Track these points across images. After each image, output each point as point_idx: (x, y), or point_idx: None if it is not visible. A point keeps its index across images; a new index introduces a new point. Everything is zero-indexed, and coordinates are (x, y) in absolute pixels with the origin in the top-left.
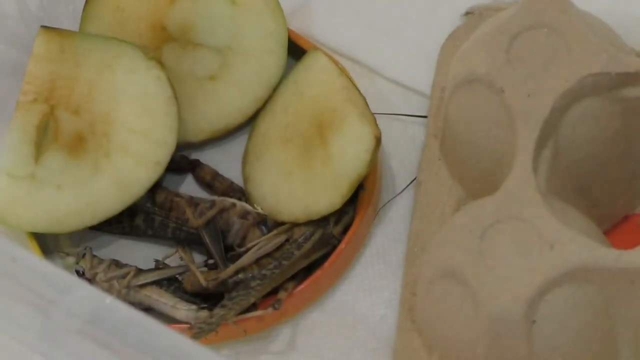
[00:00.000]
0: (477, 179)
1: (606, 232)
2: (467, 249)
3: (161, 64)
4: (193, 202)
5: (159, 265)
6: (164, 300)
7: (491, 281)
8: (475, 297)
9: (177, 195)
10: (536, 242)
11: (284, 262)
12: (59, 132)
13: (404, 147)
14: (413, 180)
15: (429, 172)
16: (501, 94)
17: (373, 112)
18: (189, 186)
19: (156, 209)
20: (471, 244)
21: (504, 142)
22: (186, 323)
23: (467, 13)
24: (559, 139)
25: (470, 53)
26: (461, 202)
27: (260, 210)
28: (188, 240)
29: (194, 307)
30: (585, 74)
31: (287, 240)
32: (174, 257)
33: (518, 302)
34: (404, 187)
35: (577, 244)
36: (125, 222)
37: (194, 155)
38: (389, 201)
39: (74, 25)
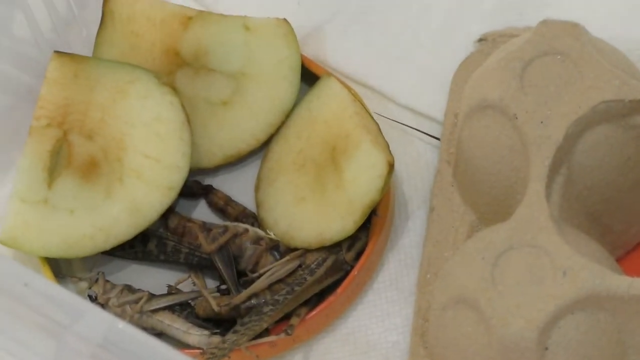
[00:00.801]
0: (490, 205)
1: (619, 260)
2: (479, 275)
3: (174, 89)
4: (206, 227)
5: (172, 291)
6: (177, 325)
7: (503, 307)
8: (487, 324)
9: (190, 220)
10: (549, 269)
11: (297, 288)
12: (72, 157)
13: (417, 174)
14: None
15: (441, 198)
16: (514, 120)
17: (387, 118)
18: (201, 211)
19: (169, 234)
20: (484, 270)
21: (517, 168)
22: (198, 348)
23: (480, 39)
24: (572, 165)
25: (484, 79)
26: (474, 228)
27: (272, 236)
28: (201, 265)
29: (206, 332)
30: (598, 101)
31: (299, 266)
32: (186, 283)
33: (530, 328)
34: (416, 212)
35: (589, 271)
36: (138, 247)
37: (207, 181)
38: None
39: (87, 50)
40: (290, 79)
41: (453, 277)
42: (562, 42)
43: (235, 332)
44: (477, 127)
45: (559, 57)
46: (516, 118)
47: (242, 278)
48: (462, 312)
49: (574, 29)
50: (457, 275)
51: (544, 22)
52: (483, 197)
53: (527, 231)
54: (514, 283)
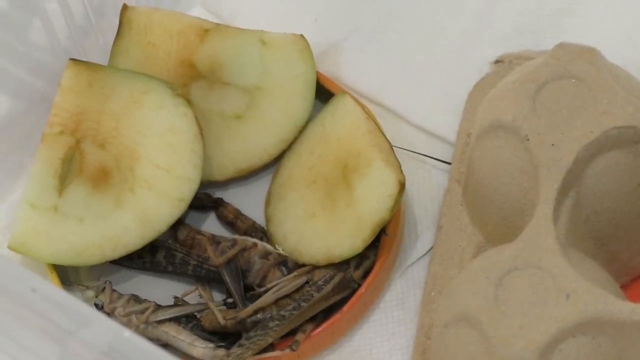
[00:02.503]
0: (498, 225)
1: (623, 287)
2: (483, 294)
3: (188, 101)
4: (214, 240)
5: (178, 302)
6: (182, 337)
7: (505, 327)
8: (489, 343)
9: (199, 232)
10: (552, 291)
11: (303, 304)
12: (84, 165)
13: (428, 194)
14: (430, 250)
15: (450, 217)
16: (526, 142)
17: (398, 148)
18: (211, 224)
19: (177, 245)
20: (487, 289)
21: (527, 189)
22: None
23: (496, 61)
24: (581, 189)
25: (497, 100)
26: (481, 249)
27: (281, 251)
28: (208, 278)
29: (211, 345)
30: (610, 126)
31: (307, 282)
32: (193, 295)
33: (531, 349)
34: (426, 232)
35: (593, 295)
36: (146, 258)
37: (218, 194)
38: (411, 264)
39: (103, 59)
40: (304, 95)
41: (457, 295)
42: (577, 66)
43: (240, 345)
44: (488, 148)
45: (573, 81)
46: (528, 140)
47: (249, 292)
48: (464, 330)
49: (589, 54)
50: (460, 293)
51: (560, 46)
52: (491, 218)
53: (532, 252)
54: (517, 304)
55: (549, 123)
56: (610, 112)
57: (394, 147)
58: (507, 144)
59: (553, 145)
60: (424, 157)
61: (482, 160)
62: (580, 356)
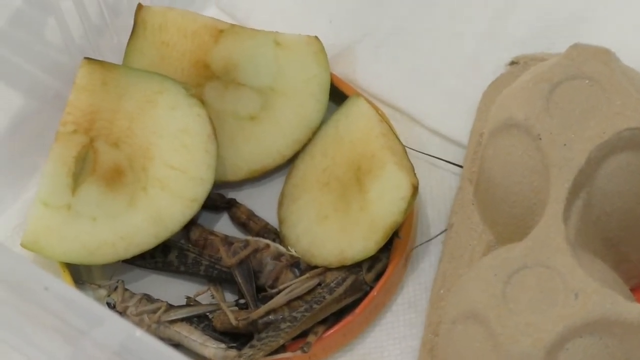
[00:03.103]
0: (508, 224)
1: (633, 289)
2: (491, 292)
3: (202, 101)
4: (227, 241)
5: (190, 302)
6: (194, 337)
7: (513, 325)
8: (495, 340)
9: (212, 233)
10: (561, 290)
11: (315, 306)
12: (97, 164)
13: (441, 197)
14: (444, 231)
15: (461, 216)
16: (538, 141)
17: (410, 149)
18: (223, 225)
19: (190, 246)
20: (495, 287)
21: (538, 189)
22: None
23: (512, 63)
24: (592, 190)
25: (511, 98)
26: (490, 248)
27: (294, 253)
28: (220, 278)
29: (222, 345)
30: (623, 127)
31: (319, 284)
32: (205, 295)
33: (537, 348)
34: (438, 235)
35: (601, 296)
36: (159, 258)
37: (231, 194)
38: (419, 245)
39: (117, 58)
40: (318, 97)
41: (465, 292)
42: (591, 66)
43: (251, 346)
44: (501, 146)
45: (587, 81)
46: (540, 139)
47: (261, 293)
48: (471, 327)
49: (604, 55)
50: (469, 290)
51: (575, 46)
52: (502, 217)
53: (542, 251)
54: (525, 302)
55: (562, 123)
56: (624, 114)
57: (406, 149)
58: (519, 142)
59: (565, 145)
60: (437, 160)
61: (494, 159)
62: (587, 356)
